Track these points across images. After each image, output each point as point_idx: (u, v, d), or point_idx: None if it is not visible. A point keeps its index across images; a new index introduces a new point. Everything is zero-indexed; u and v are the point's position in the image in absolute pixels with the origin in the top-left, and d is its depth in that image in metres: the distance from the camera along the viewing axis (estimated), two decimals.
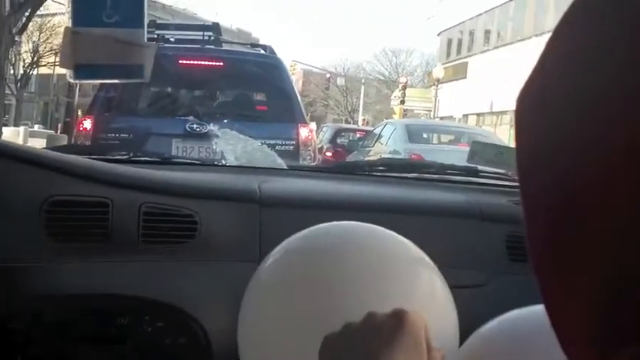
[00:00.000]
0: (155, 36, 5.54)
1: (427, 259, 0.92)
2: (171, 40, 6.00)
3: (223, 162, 2.14)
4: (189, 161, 2.06)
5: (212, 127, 2.44)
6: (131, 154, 1.87)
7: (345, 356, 0.66)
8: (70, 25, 1.38)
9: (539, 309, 0.74)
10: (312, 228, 0.95)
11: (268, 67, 5.93)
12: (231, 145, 2.13)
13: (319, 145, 11.67)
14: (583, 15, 0.35)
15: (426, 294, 0.88)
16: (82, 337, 1.37)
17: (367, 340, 0.65)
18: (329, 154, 13.52)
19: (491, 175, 2.00)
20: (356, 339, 0.67)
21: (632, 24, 0.31)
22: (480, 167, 1.98)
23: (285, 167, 2.09)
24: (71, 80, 1.35)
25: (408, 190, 1.85)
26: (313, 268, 0.87)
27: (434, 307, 0.78)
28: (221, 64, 5.92)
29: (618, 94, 0.31)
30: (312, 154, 5.66)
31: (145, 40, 1.38)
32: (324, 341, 0.70)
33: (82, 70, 1.35)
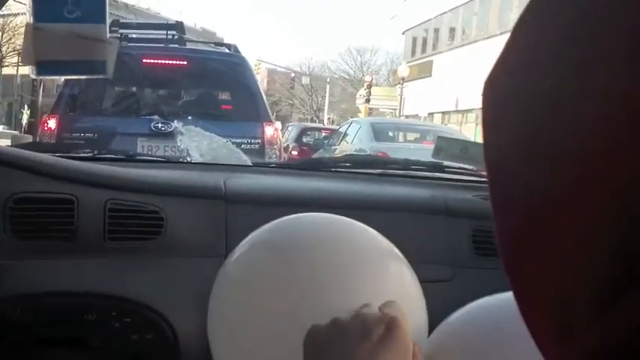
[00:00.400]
0: (118, 35, 5.50)
1: (396, 250, 0.93)
2: (134, 36, 5.95)
3: (188, 159, 2.13)
4: (154, 159, 2.05)
5: (177, 124, 2.42)
6: (96, 152, 1.86)
7: (332, 353, 0.66)
8: (31, 21, 1.36)
9: (503, 297, 0.76)
10: (278, 220, 0.95)
11: (233, 65, 5.91)
12: (196, 141, 2.12)
13: (285, 144, 11.67)
14: (544, 5, 0.34)
15: (396, 285, 0.88)
16: (48, 335, 1.36)
17: (357, 342, 0.65)
18: (295, 152, 13.52)
19: (457, 170, 2.02)
20: (345, 339, 0.66)
21: (595, 9, 0.30)
22: (445, 163, 2.00)
23: (250, 164, 2.08)
24: (33, 76, 1.33)
25: (374, 185, 1.86)
26: (280, 261, 0.87)
27: (404, 298, 0.78)
28: (185, 62, 5.89)
29: (590, 86, 0.30)
30: (278, 153, 5.66)
31: (108, 36, 1.37)
32: (310, 331, 0.70)
33: (44, 66, 1.34)
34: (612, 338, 0.28)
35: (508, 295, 0.73)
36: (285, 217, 0.96)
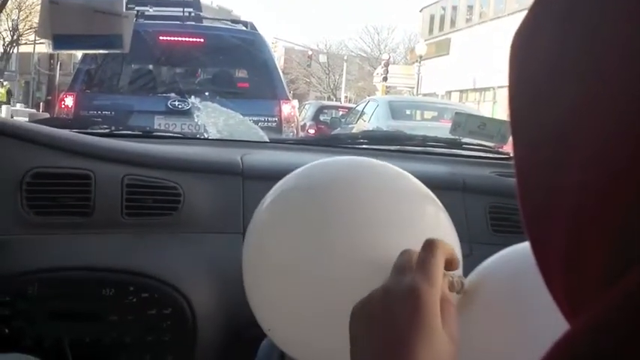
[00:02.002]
0: (135, 12, 5.48)
1: (431, 194, 0.91)
2: (151, 13, 5.93)
3: (206, 135, 2.13)
4: (171, 135, 2.05)
5: (194, 100, 2.42)
6: (113, 128, 1.86)
7: (364, 338, 0.66)
8: None
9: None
10: (310, 164, 0.94)
11: (249, 42, 5.88)
12: (213, 118, 2.12)
13: (302, 123, 11.64)
14: None
15: (430, 225, 0.87)
16: (65, 309, 1.36)
17: (384, 326, 0.65)
18: (311, 131, 13.49)
19: (475, 147, 2.00)
20: (374, 323, 0.66)
21: None
22: (463, 139, 1.98)
23: (267, 140, 2.08)
24: (50, 51, 1.33)
25: (390, 162, 1.85)
26: (315, 203, 0.86)
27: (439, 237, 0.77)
28: (202, 40, 5.87)
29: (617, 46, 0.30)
30: (295, 131, 5.64)
31: (124, 10, 1.36)
32: (351, 313, 0.69)
33: (60, 41, 1.33)
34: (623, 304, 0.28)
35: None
36: (317, 161, 0.94)
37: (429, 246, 0.70)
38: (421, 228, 0.84)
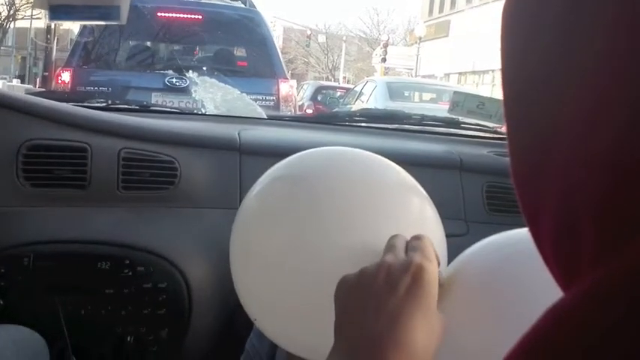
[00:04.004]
0: None
1: (418, 186, 0.91)
2: None
3: (203, 111, 2.12)
4: (168, 109, 2.04)
5: (192, 75, 2.41)
6: (110, 102, 1.85)
7: (360, 308, 0.66)
8: None
9: (520, 231, 0.75)
10: (298, 153, 0.94)
11: (248, 20, 5.84)
12: (211, 93, 2.11)
13: (300, 103, 11.61)
14: None
15: (418, 219, 0.87)
16: (60, 282, 1.36)
17: (382, 297, 0.65)
18: (309, 111, 13.44)
19: (473, 126, 2.00)
20: (371, 294, 0.66)
21: None
22: (461, 119, 1.98)
23: (265, 117, 2.07)
24: (47, 21, 1.32)
25: (388, 140, 1.85)
26: (302, 192, 0.86)
27: (425, 230, 0.77)
28: (200, 17, 5.83)
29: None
30: (293, 111, 5.62)
31: None
32: (340, 283, 0.69)
33: (56, 11, 1.32)
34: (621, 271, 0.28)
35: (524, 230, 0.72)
36: (306, 151, 0.94)
37: (419, 236, 0.72)
38: (407, 220, 0.84)
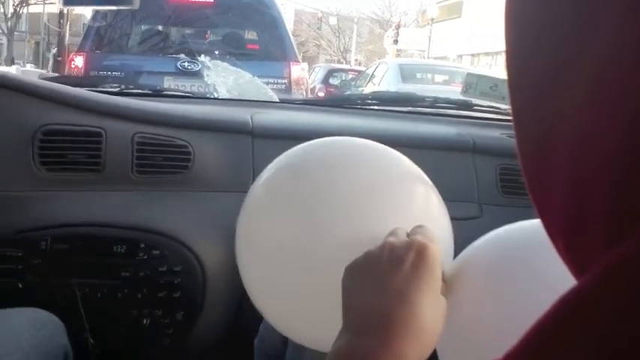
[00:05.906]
0: None
1: (424, 175, 0.91)
2: None
3: (215, 95, 2.12)
4: (181, 94, 2.04)
5: (204, 59, 2.41)
6: (123, 87, 1.86)
7: (366, 286, 0.66)
8: None
9: (529, 222, 0.75)
10: (305, 143, 0.94)
11: (259, 3, 5.83)
12: (223, 77, 2.11)
13: (311, 86, 11.58)
14: None
15: (422, 209, 0.87)
16: (79, 264, 1.38)
17: (388, 272, 0.65)
18: (321, 94, 13.42)
19: (486, 108, 1.99)
20: (377, 270, 0.66)
21: None
22: (474, 101, 1.97)
23: (277, 100, 2.07)
24: (60, 6, 1.32)
25: (401, 123, 1.84)
26: (308, 182, 0.86)
27: (431, 223, 0.77)
28: (211, 0, 5.83)
29: None
30: (304, 94, 5.61)
31: None
32: (346, 269, 0.70)
33: None
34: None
35: (534, 222, 0.73)
36: (312, 141, 0.94)
37: (420, 225, 0.74)
38: (413, 210, 0.85)
